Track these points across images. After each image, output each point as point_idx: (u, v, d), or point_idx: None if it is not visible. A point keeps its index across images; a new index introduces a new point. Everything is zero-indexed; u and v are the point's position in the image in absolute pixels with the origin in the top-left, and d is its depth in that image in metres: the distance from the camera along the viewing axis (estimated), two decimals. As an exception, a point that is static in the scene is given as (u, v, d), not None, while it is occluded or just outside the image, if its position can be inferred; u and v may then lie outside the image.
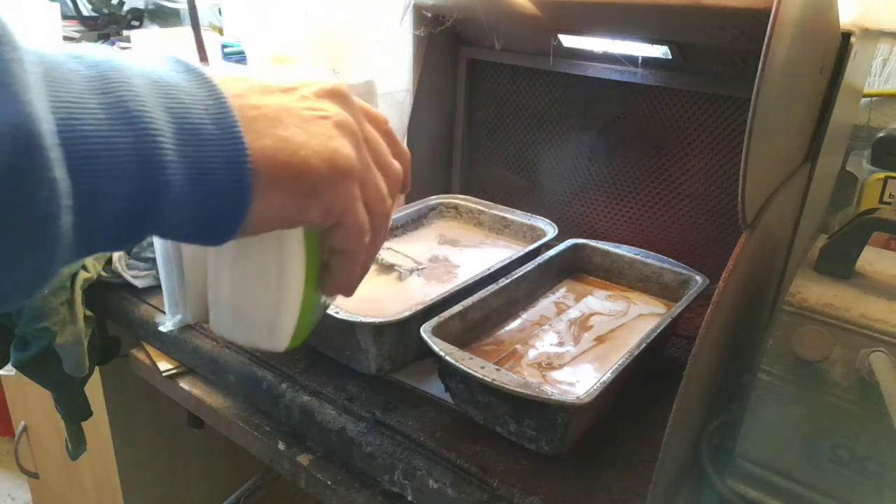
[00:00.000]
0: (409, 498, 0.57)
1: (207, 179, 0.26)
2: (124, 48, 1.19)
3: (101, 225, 0.25)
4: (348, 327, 0.62)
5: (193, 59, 0.29)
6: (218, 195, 0.27)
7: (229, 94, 0.28)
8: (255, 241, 0.33)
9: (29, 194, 0.21)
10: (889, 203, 0.75)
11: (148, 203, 0.25)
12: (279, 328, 0.36)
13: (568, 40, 0.81)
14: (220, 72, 0.29)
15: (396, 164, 0.36)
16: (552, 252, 0.78)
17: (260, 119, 0.28)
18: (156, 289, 0.82)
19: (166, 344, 0.78)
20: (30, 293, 0.25)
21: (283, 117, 0.29)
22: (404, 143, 0.89)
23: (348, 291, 0.38)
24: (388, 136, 0.37)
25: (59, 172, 0.22)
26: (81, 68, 0.24)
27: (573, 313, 0.74)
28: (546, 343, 0.68)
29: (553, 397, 0.52)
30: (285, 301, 0.35)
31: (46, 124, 0.22)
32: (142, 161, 0.24)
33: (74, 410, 0.86)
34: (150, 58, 0.27)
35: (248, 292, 0.36)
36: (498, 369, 0.54)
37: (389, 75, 0.86)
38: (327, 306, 0.41)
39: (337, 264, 0.36)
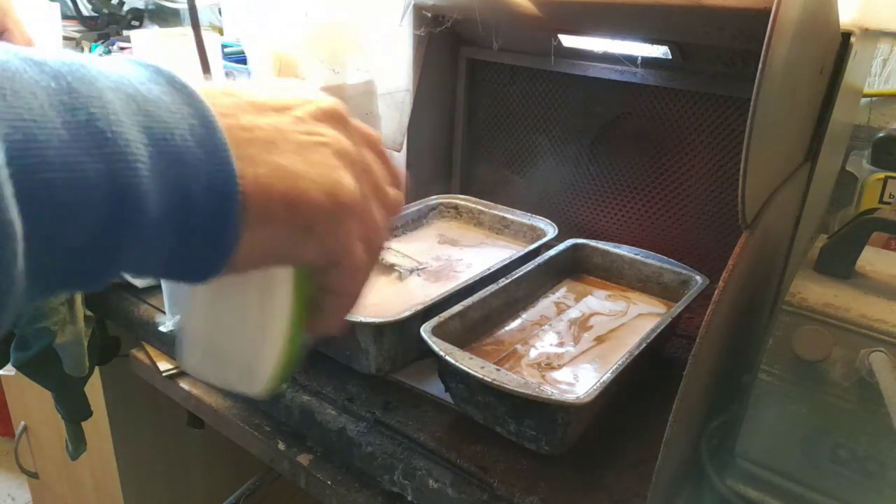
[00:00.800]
0: (409, 498, 0.57)
1: (189, 211, 0.23)
2: (124, 48, 1.19)
3: (59, 265, 0.21)
4: (348, 327, 0.62)
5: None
6: (201, 229, 0.24)
7: (217, 111, 0.24)
8: (238, 276, 0.30)
9: None
10: (889, 203, 0.75)
11: (117, 238, 0.22)
12: (258, 371, 0.32)
13: (568, 40, 0.81)
14: (204, 85, 0.26)
15: (393, 192, 0.33)
16: (552, 252, 0.78)
17: (252, 143, 0.25)
18: (156, 289, 0.82)
19: (166, 344, 0.78)
20: None
21: (279, 142, 0.26)
22: (404, 143, 0.90)
23: (335, 330, 0.34)
24: (382, 157, 0.34)
25: (10, 213, 0.18)
26: (45, 79, 0.21)
27: (573, 313, 0.74)
28: (546, 343, 0.68)
29: (553, 397, 0.52)
30: (267, 343, 0.31)
31: None
32: (113, 190, 0.21)
33: (74, 410, 0.86)
34: (126, 65, 0.24)
35: (227, 330, 0.32)
36: (498, 369, 0.54)
37: (389, 75, 0.86)
38: (310, 345, 0.38)
39: (328, 305, 0.32)
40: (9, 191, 0.18)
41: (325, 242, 0.28)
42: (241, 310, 0.31)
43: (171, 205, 0.23)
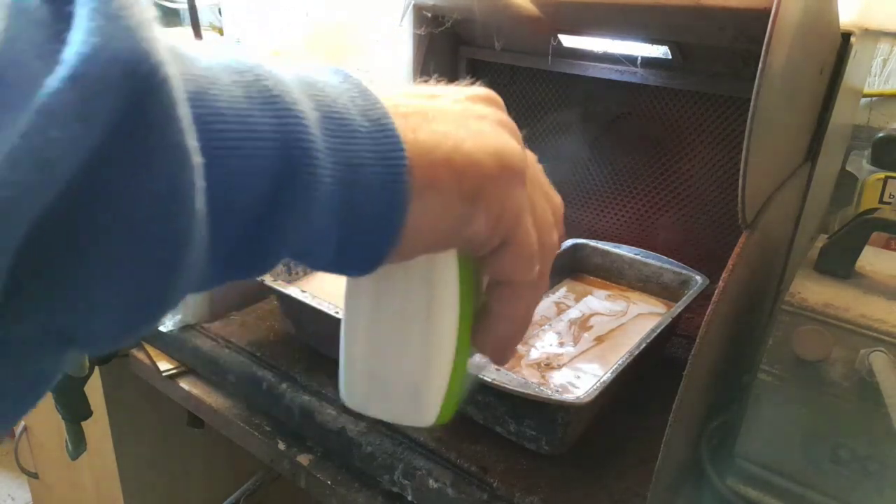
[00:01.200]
0: (409, 498, 0.57)
1: (359, 176, 0.22)
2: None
3: (235, 233, 0.20)
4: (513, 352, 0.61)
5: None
6: (371, 197, 0.23)
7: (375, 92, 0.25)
8: (399, 275, 0.27)
9: (152, 159, 0.16)
10: (889, 203, 0.75)
11: (287, 203, 0.21)
12: (426, 394, 0.29)
13: (568, 40, 0.81)
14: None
15: (556, 195, 0.31)
16: (552, 252, 0.78)
17: (412, 115, 0.25)
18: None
19: (166, 344, 0.78)
20: (140, 327, 0.18)
21: (437, 114, 0.26)
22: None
23: (505, 350, 0.30)
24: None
25: (191, 139, 0.17)
26: (210, 50, 0.21)
27: (573, 313, 0.74)
28: (546, 343, 0.68)
29: (553, 397, 0.52)
30: (435, 356, 0.28)
31: (174, 68, 0.17)
32: (285, 147, 0.20)
33: (74, 410, 0.86)
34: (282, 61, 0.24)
35: (390, 348, 0.29)
36: (498, 369, 0.54)
37: (389, 75, 0.86)
38: (480, 370, 0.33)
39: (498, 304, 0.29)
40: (188, 116, 0.18)
41: (495, 211, 0.25)
42: (405, 317, 0.28)
43: (341, 171, 0.22)
